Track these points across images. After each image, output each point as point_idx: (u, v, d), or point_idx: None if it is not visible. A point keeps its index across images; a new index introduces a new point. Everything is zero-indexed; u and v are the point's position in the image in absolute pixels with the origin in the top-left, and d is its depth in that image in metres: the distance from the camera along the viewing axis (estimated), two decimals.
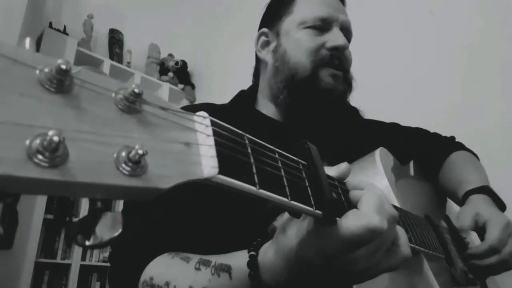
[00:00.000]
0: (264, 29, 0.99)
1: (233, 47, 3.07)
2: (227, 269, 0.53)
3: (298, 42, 0.89)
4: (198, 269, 0.57)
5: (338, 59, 0.89)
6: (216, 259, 0.56)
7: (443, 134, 1.16)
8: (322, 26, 0.90)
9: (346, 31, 0.93)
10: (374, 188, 0.48)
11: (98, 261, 2.95)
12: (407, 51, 1.89)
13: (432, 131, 1.17)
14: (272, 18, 0.99)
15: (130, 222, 0.71)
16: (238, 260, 0.52)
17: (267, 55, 0.97)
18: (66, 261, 2.77)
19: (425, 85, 1.77)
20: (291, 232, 0.46)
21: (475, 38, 1.64)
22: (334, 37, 0.88)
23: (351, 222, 0.41)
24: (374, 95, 1.86)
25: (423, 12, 1.86)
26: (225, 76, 3.16)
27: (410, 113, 1.66)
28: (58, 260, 2.76)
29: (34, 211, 2.53)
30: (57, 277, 2.77)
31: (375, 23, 2.06)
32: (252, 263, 0.49)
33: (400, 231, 0.49)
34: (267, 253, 0.49)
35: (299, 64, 0.88)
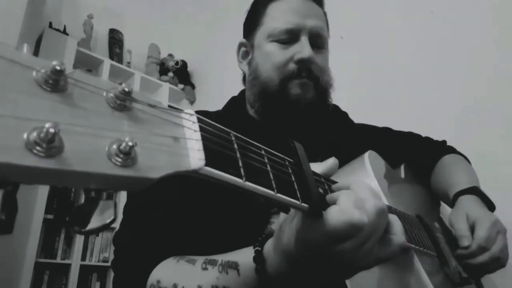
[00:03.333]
0: (243, 40, 1.02)
1: (233, 47, 3.06)
2: (234, 266, 0.54)
3: (267, 57, 0.91)
4: (205, 269, 0.58)
5: (306, 71, 0.89)
6: (222, 257, 0.58)
7: (442, 135, 1.18)
8: (290, 37, 0.90)
9: (316, 36, 0.92)
10: (358, 184, 0.49)
11: (98, 261, 2.96)
12: (406, 51, 1.90)
13: (432, 131, 1.18)
14: (248, 29, 1.01)
15: (130, 229, 0.73)
16: (245, 256, 0.54)
17: (245, 67, 1.00)
18: (66, 261, 2.78)
19: (425, 84, 1.78)
20: (284, 227, 0.48)
21: (474, 37, 1.64)
22: (301, 49, 0.88)
23: (331, 217, 0.42)
24: (372, 95, 1.87)
25: (423, 12, 1.87)
26: (225, 76, 3.17)
27: (407, 112, 1.67)
28: (58, 260, 2.77)
29: (34, 211, 2.54)
30: (57, 277, 2.77)
31: (375, 22, 2.07)
32: (258, 258, 0.51)
33: (394, 220, 0.51)
34: (269, 248, 0.51)
35: (268, 79, 0.90)
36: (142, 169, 0.25)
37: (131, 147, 0.24)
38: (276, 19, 0.92)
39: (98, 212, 0.25)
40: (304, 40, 0.89)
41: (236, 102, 1.04)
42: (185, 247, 0.69)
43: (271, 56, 0.90)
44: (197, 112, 1.02)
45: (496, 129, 1.47)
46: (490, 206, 0.91)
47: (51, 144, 0.21)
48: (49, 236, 2.77)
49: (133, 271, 0.67)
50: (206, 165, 0.30)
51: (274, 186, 0.38)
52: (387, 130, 1.15)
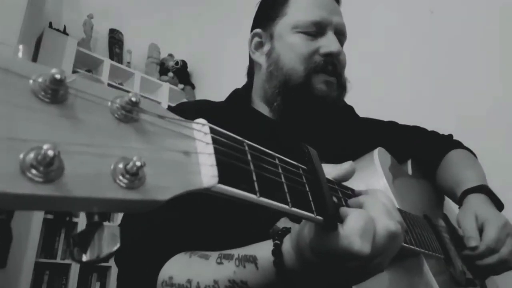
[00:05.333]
0: (258, 30, 0.98)
1: (233, 47, 3.06)
2: (252, 259, 0.53)
3: (291, 48, 0.88)
4: (220, 263, 0.57)
5: (331, 65, 0.88)
6: (239, 251, 0.56)
7: (442, 133, 1.16)
8: (316, 30, 0.88)
9: (340, 34, 0.92)
10: (372, 201, 0.47)
11: None
12: (406, 51, 1.89)
13: (431, 129, 1.16)
14: (265, 19, 0.97)
15: (135, 224, 0.71)
16: (263, 250, 0.53)
17: (260, 58, 0.96)
18: (66, 261, 2.77)
19: (424, 84, 1.77)
20: (300, 231, 0.47)
21: (474, 37, 1.63)
22: (328, 43, 0.87)
23: (335, 239, 0.41)
24: (373, 95, 1.85)
25: (423, 12, 1.86)
26: (225, 76, 3.16)
27: (408, 112, 1.66)
28: (58, 260, 2.76)
29: (34, 211, 2.53)
30: (57, 277, 2.76)
31: (375, 22, 2.06)
32: (277, 251, 0.50)
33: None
34: (287, 244, 0.50)
35: (292, 70, 0.87)
36: (150, 191, 0.22)
37: (139, 168, 0.21)
38: (302, 10, 0.90)
39: (103, 239, 0.22)
40: (330, 34, 0.88)
41: (240, 96, 1.00)
42: (192, 243, 0.67)
43: (296, 47, 0.88)
44: (199, 101, 1.00)
45: (496, 128, 1.46)
46: (499, 205, 0.89)
47: (49, 168, 0.18)
48: (49, 236, 2.76)
49: (141, 267, 0.66)
50: (219, 182, 0.28)
51: (288, 199, 0.36)
52: (393, 124, 1.14)
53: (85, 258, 0.21)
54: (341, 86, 0.92)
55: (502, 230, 0.80)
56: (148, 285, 0.63)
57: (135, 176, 0.22)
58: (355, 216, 0.43)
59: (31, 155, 0.18)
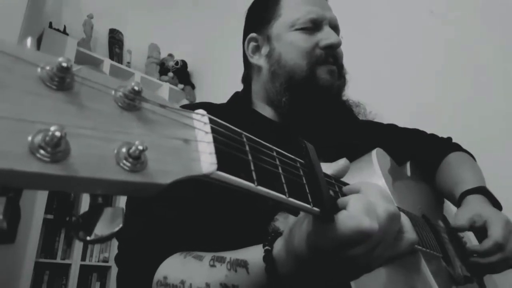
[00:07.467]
0: (253, 35, 0.99)
1: (233, 47, 3.06)
2: (243, 264, 0.53)
3: (292, 44, 0.91)
4: (213, 266, 0.57)
5: (332, 57, 0.91)
6: (231, 255, 0.57)
7: (442, 133, 1.17)
8: (313, 27, 0.92)
9: (335, 28, 0.95)
10: (368, 187, 0.48)
11: (98, 261, 2.95)
12: (407, 51, 1.89)
13: (431, 130, 1.17)
14: (259, 23, 0.99)
15: (135, 223, 0.72)
16: (254, 255, 0.53)
17: (259, 60, 0.97)
18: (66, 261, 2.77)
19: (424, 84, 1.78)
20: (295, 229, 0.47)
21: (475, 37, 1.64)
22: (327, 36, 0.91)
23: (340, 223, 0.41)
24: (373, 94, 1.86)
25: (423, 12, 1.87)
26: (225, 76, 3.16)
27: (408, 112, 1.67)
28: (58, 260, 2.76)
29: (34, 211, 2.53)
30: (57, 277, 2.76)
31: (376, 22, 2.07)
32: (268, 257, 0.50)
33: (403, 217, 0.50)
34: (279, 248, 0.50)
35: (296, 66, 0.90)
36: (152, 175, 0.24)
37: (141, 151, 0.23)
38: (296, 9, 0.93)
39: (105, 220, 0.23)
40: (327, 28, 0.92)
41: (240, 98, 1.02)
42: (190, 243, 0.68)
43: (297, 43, 0.91)
44: (201, 103, 1.02)
45: (496, 128, 1.46)
46: (497, 206, 0.90)
47: (56, 149, 0.19)
48: (49, 236, 2.76)
49: (139, 267, 0.66)
50: (218, 169, 0.29)
51: (285, 190, 0.37)
52: (392, 127, 1.15)
53: (89, 237, 0.22)
54: (342, 76, 0.95)
55: (506, 227, 0.81)
56: (145, 284, 0.64)
57: (137, 160, 0.23)
58: (357, 198, 0.44)
59: (39, 136, 0.19)
